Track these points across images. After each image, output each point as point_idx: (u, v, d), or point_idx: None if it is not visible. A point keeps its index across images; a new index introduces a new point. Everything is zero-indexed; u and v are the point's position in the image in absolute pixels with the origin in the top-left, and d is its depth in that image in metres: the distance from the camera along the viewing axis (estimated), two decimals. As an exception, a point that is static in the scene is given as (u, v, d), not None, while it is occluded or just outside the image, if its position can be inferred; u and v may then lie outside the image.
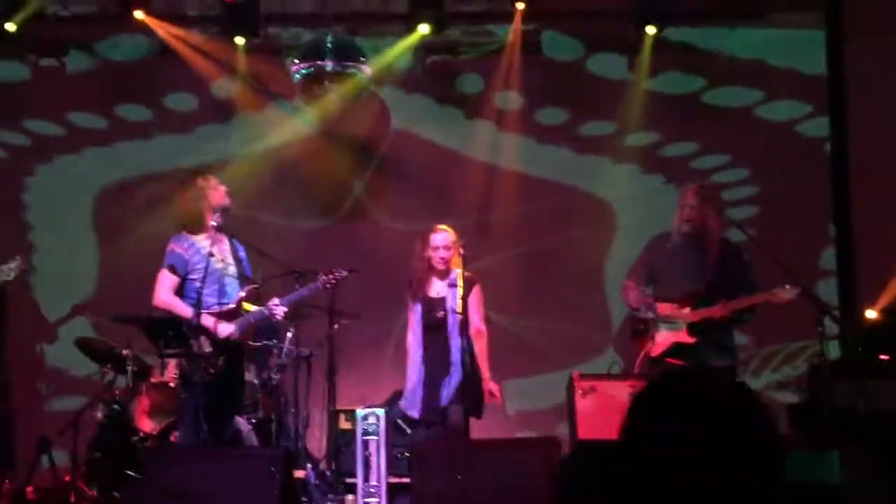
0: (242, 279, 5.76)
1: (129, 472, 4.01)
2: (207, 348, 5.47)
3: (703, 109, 8.26)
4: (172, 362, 6.12)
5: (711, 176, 8.02)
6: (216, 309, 5.60)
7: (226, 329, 5.43)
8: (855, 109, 7.95)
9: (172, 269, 5.58)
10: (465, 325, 5.77)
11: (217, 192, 5.71)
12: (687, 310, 5.43)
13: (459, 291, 5.69)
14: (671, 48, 8.20)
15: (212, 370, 5.38)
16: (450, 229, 6.09)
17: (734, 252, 5.60)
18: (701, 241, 5.53)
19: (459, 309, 5.74)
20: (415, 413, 5.84)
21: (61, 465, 6.57)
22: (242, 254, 5.87)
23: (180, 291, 5.64)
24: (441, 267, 6.00)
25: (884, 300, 6.68)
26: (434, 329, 5.95)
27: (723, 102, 8.27)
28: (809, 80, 8.26)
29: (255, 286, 5.77)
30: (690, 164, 8.27)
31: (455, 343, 5.82)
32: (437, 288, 6.05)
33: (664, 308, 5.49)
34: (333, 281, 5.78)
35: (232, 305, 5.61)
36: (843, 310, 7.50)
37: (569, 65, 8.38)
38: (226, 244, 5.75)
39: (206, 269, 5.52)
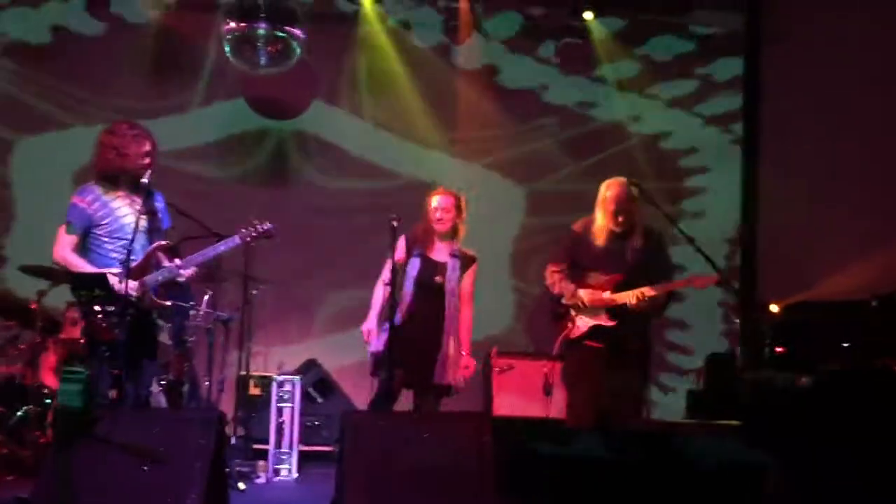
0: (155, 233, 5.33)
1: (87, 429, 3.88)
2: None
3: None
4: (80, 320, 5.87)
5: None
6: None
7: (132, 287, 5.12)
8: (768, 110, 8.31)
9: (69, 224, 5.21)
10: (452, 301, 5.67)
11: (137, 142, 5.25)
12: (608, 293, 5.56)
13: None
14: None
15: (117, 329, 5.10)
16: (451, 191, 5.87)
17: (656, 239, 5.74)
18: (625, 229, 5.66)
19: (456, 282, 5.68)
20: (378, 347, 5.59)
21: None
22: (160, 204, 5.40)
23: (84, 244, 5.24)
24: (440, 228, 5.82)
25: (791, 298, 6.97)
26: (427, 291, 5.68)
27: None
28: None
29: (167, 242, 5.43)
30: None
31: (450, 314, 5.68)
32: (440, 251, 5.80)
33: (587, 294, 5.60)
34: (254, 234, 5.35)
35: (138, 261, 5.16)
36: (745, 303, 7.85)
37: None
38: (139, 199, 5.25)
39: (115, 224, 5.20)
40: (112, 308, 4.95)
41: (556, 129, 8.62)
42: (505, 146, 8.58)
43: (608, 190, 5.67)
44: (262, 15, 7.16)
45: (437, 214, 5.75)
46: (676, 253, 5.88)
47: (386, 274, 5.63)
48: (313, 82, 8.33)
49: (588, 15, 8.35)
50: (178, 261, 5.25)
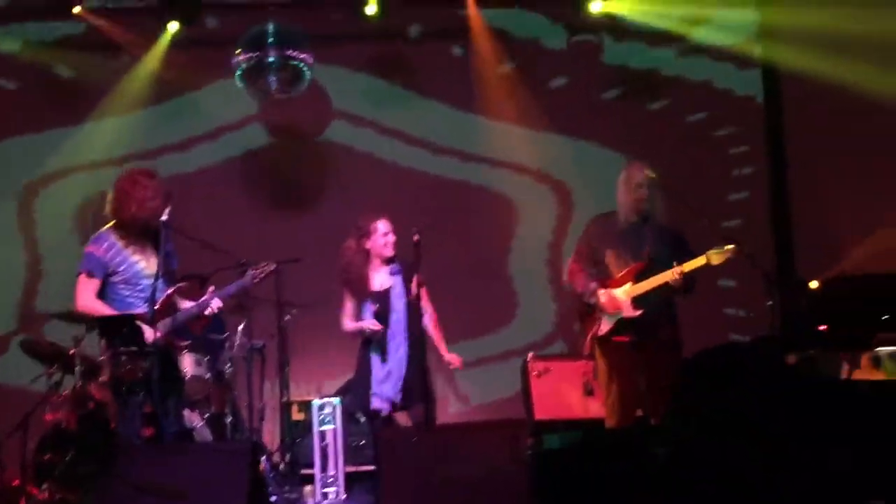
0: (168, 276, 5.49)
1: (112, 471, 3.93)
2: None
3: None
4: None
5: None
6: (141, 310, 5.35)
7: (150, 332, 5.22)
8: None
9: (88, 273, 5.36)
10: (417, 315, 5.76)
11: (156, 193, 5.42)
12: (629, 285, 5.50)
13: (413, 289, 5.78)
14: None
15: (140, 373, 5.17)
16: (386, 218, 6.11)
17: (675, 228, 5.69)
18: (644, 219, 5.60)
19: (413, 292, 5.77)
20: (385, 406, 5.83)
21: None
22: (170, 247, 5.55)
23: (102, 292, 5.41)
24: (390, 253, 5.98)
25: (827, 272, 6.85)
26: (384, 321, 5.95)
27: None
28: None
29: (182, 285, 5.58)
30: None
31: (402, 334, 5.84)
32: (380, 280, 6.01)
33: (606, 295, 5.54)
34: (262, 275, 5.69)
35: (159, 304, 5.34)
36: (783, 281, 7.71)
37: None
38: (148, 244, 5.45)
39: (131, 271, 5.36)
40: (137, 349, 5.04)
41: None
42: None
43: (628, 174, 5.63)
44: (271, 42, 7.21)
45: (390, 238, 5.99)
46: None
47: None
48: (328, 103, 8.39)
49: None
50: (207, 295, 5.50)
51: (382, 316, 5.90)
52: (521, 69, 8.44)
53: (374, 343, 5.94)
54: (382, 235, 6.01)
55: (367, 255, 5.99)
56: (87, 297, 5.34)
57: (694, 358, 4.39)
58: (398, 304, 5.93)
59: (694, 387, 3.91)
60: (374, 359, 5.92)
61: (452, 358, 6.02)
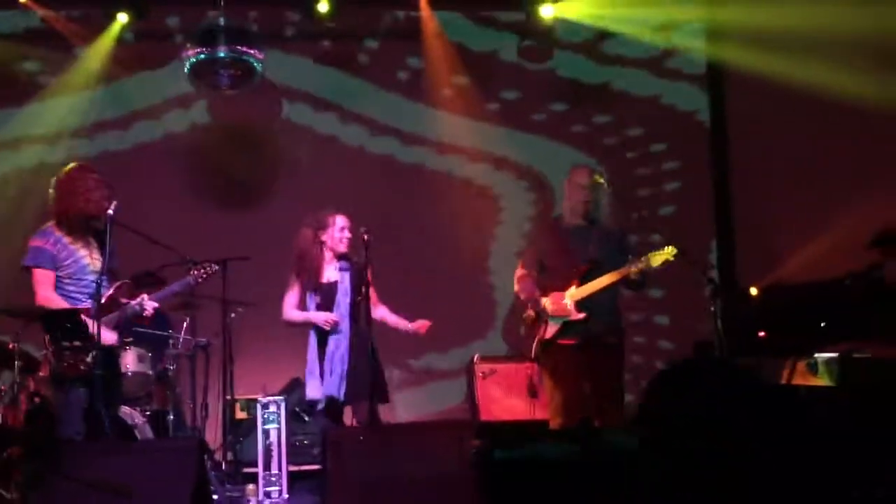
0: (111, 274, 5.52)
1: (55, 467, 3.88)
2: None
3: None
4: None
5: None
6: (85, 305, 5.37)
7: (94, 327, 5.23)
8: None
9: (40, 265, 5.34)
10: (367, 310, 5.78)
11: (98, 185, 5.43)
12: (573, 288, 5.56)
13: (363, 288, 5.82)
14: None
15: (82, 366, 5.17)
16: (345, 214, 6.09)
17: (619, 230, 5.76)
18: (591, 221, 5.67)
19: (360, 293, 5.79)
20: (319, 398, 5.81)
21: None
22: (112, 245, 5.52)
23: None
24: (344, 249, 5.98)
25: (767, 279, 6.98)
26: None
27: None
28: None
29: (126, 281, 5.59)
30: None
31: (345, 332, 5.85)
32: (328, 274, 6.04)
33: (551, 301, 5.60)
34: (204, 275, 5.77)
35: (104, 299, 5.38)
36: (725, 287, 7.86)
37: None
38: (91, 241, 5.49)
39: (76, 266, 5.38)
40: (80, 344, 5.01)
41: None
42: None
43: (575, 177, 5.70)
44: (222, 38, 7.14)
45: (346, 234, 5.98)
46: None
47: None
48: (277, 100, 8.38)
49: None
50: (145, 295, 5.49)
51: (325, 309, 5.89)
52: (474, 80, 8.55)
53: (318, 337, 5.92)
54: (339, 230, 6.00)
55: (321, 246, 5.98)
56: (47, 290, 5.34)
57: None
58: (343, 300, 5.93)
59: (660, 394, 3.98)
60: (318, 353, 5.91)
61: (417, 325, 5.99)
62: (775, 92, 7.29)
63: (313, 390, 5.90)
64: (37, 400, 5.72)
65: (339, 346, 5.87)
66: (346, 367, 5.81)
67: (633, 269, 5.48)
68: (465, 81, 8.53)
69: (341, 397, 5.83)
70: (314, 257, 5.96)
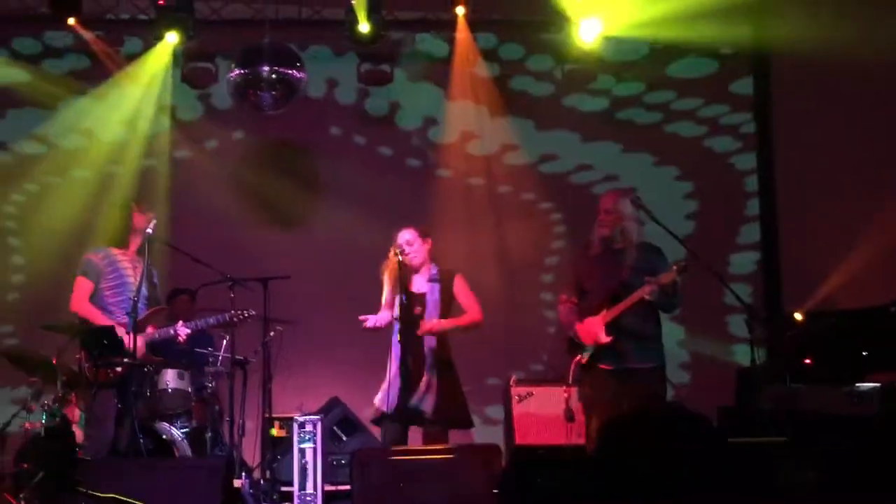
0: (151, 300, 6.12)
1: (72, 484, 3.92)
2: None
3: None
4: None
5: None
6: (124, 320, 5.81)
7: (140, 342, 5.72)
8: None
9: (85, 275, 5.94)
10: (412, 333, 5.74)
11: (142, 217, 6.04)
12: (604, 311, 5.52)
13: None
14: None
15: (112, 375, 5.66)
16: (412, 228, 6.05)
17: (652, 252, 5.67)
18: (619, 246, 5.62)
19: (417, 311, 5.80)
20: (385, 408, 5.77)
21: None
22: (156, 280, 6.25)
23: (92, 296, 5.95)
24: (413, 263, 5.95)
25: (810, 303, 6.85)
26: (410, 325, 5.84)
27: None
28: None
29: (164, 307, 6.17)
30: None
31: (428, 342, 5.80)
32: (417, 283, 6.00)
33: (583, 327, 5.56)
34: (242, 316, 6.24)
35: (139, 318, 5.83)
36: (769, 313, 7.71)
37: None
38: (141, 266, 5.96)
39: (119, 280, 5.92)
40: (115, 356, 5.28)
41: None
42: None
43: (603, 202, 5.67)
44: (265, 58, 7.24)
45: (404, 249, 5.92)
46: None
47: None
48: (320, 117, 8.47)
49: None
50: (181, 322, 6.08)
51: (407, 319, 5.82)
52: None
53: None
54: (406, 245, 5.99)
55: (395, 261, 5.95)
56: (82, 300, 5.90)
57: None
58: (424, 312, 5.90)
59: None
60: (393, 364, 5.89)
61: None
62: (828, 116, 7.22)
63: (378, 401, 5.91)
64: (56, 417, 5.85)
65: (395, 361, 5.84)
66: (398, 383, 5.75)
67: (646, 288, 5.41)
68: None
69: (389, 412, 5.78)
70: (392, 268, 5.92)
